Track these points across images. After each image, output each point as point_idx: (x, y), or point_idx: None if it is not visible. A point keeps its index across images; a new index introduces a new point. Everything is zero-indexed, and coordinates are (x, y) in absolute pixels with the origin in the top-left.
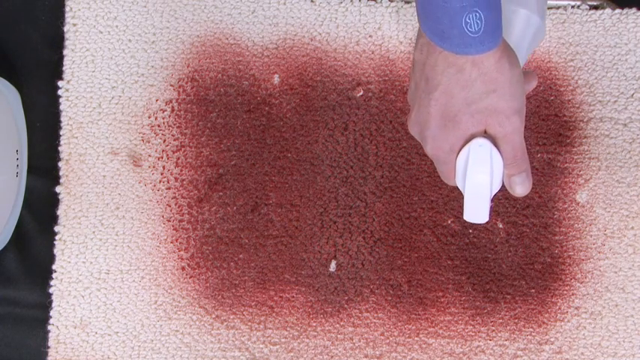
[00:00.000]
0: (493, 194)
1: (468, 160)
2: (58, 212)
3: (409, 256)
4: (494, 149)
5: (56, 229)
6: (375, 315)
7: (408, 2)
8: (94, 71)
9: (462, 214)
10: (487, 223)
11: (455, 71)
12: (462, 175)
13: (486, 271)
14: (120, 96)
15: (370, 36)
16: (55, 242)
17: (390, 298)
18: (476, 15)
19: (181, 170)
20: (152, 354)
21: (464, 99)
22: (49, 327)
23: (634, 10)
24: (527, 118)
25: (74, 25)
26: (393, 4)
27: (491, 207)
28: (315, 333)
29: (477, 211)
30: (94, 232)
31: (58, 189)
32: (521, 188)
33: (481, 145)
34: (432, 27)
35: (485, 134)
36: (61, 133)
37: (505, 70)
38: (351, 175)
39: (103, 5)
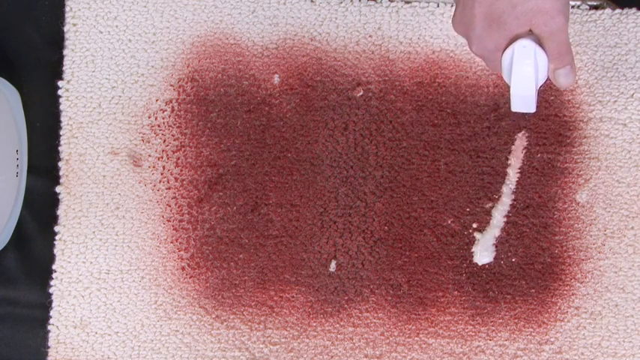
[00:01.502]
0: (539, 86)
1: (513, 57)
2: (58, 212)
3: (409, 256)
4: (539, 48)
5: (56, 229)
6: (375, 315)
7: (408, 2)
8: (94, 71)
9: (462, 213)
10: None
11: None
12: (508, 71)
13: (486, 271)
14: (120, 96)
15: (370, 36)
16: (55, 242)
17: (390, 298)
18: None
19: (181, 170)
20: (152, 354)
21: (508, 0)
22: (49, 327)
23: (634, 10)
24: (528, 118)
25: (74, 25)
26: (393, 4)
27: (537, 99)
28: (315, 333)
29: (524, 101)
30: (94, 232)
31: (58, 189)
32: (565, 80)
33: (525, 46)
34: None
35: (530, 33)
36: (61, 133)
37: None
38: (351, 175)
39: (103, 5)
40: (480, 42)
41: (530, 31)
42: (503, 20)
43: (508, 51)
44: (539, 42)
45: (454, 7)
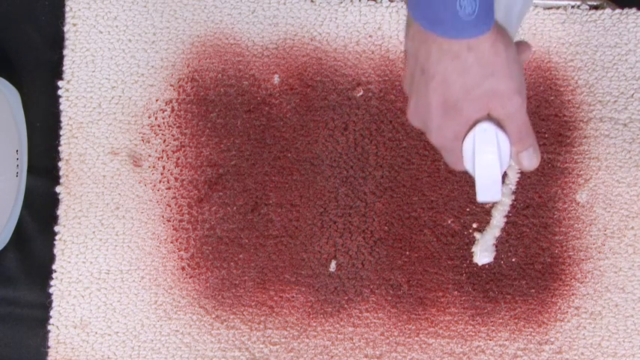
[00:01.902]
0: (502, 172)
1: (474, 145)
2: (58, 212)
3: (409, 256)
4: (499, 130)
5: (56, 229)
6: (375, 315)
7: None
8: (94, 71)
9: (462, 213)
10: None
11: (450, 58)
12: (471, 159)
13: (486, 271)
14: (120, 96)
15: (370, 36)
16: (55, 242)
17: (390, 298)
18: None
19: (181, 170)
20: (152, 354)
21: (462, 86)
22: (49, 327)
23: (634, 10)
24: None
25: (74, 25)
26: (393, 4)
27: (501, 185)
28: (315, 333)
29: (489, 191)
30: (94, 232)
31: (58, 189)
32: (528, 162)
33: (485, 129)
34: (424, 13)
35: (489, 117)
36: (61, 133)
37: (501, 52)
38: (351, 175)
39: (103, 5)
40: (439, 132)
41: (489, 114)
42: (460, 106)
43: (468, 139)
44: (499, 125)
45: (409, 100)
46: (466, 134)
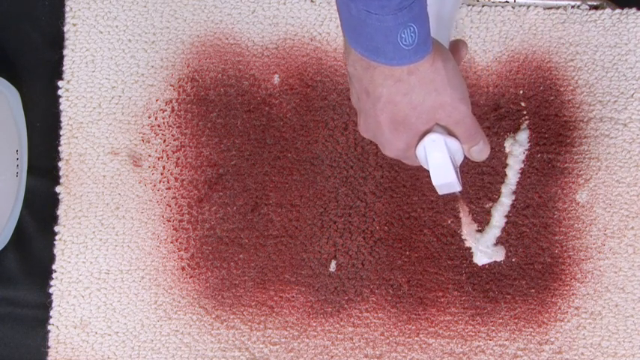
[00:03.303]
0: (458, 165)
1: (425, 152)
2: (58, 212)
3: (409, 256)
4: (447, 137)
5: (56, 229)
6: (375, 315)
7: None
8: (94, 71)
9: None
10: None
11: (393, 82)
12: (425, 162)
13: (486, 271)
14: (120, 96)
15: None
16: (55, 242)
17: (390, 298)
18: (410, 29)
19: (181, 170)
20: (152, 354)
21: (408, 104)
22: (49, 327)
23: (634, 10)
24: (528, 117)
25: (74, 25)
26: None
27: (459, 175)
28: (315, 333)
29: (447, 186)
30: (94, 232)
31: (58, 189)
32: (479, 155)
33: (434, 140)
34: (364, 44)
35: (437, 125)
36: (61, 133)
37: (440, 70)
38: (351, 175)
39: (103, 5)
40: (391, 145)
41: (437, 124)
42: (408, 122)
43: (420, 147)
44: (448, 130)
45: (358, 116)
46: (417, 144)
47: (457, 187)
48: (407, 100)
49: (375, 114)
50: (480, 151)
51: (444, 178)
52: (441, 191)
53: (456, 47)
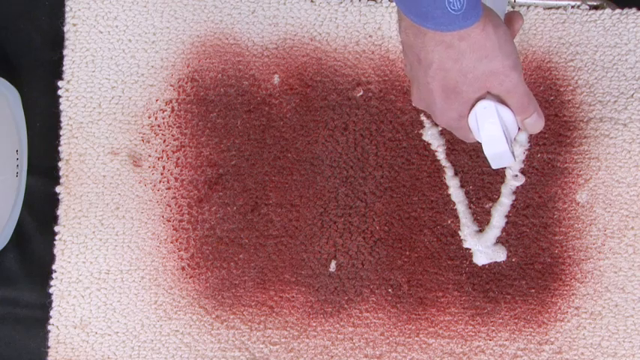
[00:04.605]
0: (512, 137)
1: (477, 121)
2: (58, 212)
3: (409, 256)
4: (499, 105)
5: (56, 229)
6: (375, 315)
7: None
8: (94, 71)
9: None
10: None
11: (444, 48)
12: (477, 133)
13: (486, 271)
14: (120, 96)
15: (370, 36)
16: (55, 242)
17: (390, 298)
18: None
19: (181, 170)
20: (152, 354)
21: (459, 70)
22: (49, 327)
23: (634, 10)
24: None
25: (74, 25)
26: (392, 4)
27: (513, 150)
28: (315, 333)
29: (500, 157)
30: (94, 232)
31: (58, 189)
32: (533, 127)
33: (485, 107)
34: (413, 9)
35: (489, 94)
36: (61, 133)
37: (491, 35)
38: (351, 175)
39: (103, 5)
40: (443, 114)
41: (489, 92)
42: (459, 89)
43: (472, 115)
44: (501, 100)
45: (411, 86)
46: (469, 112)
47: (511, 159)
48: (458, 66)
49: (427, 81)
50: (535, 123)
51: (496, 148)
52: (494, 164)
53: (511, 19)
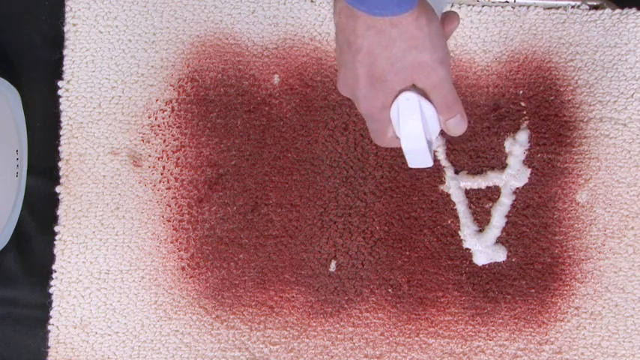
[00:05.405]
0: (433, 139)
1: (398, 113)
2: (58, 212)
3: (409, 256)
4: (423, 99)
5: (56, 229)
6: (375, 315)
7: None
8: (94, 71)
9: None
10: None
11: (375, 33)
12: (397, 126)
13: (486, 271)
14: (120, 96)
15: None
16: (55, 242)
17: (390, 298)
18: None
19: (181, 170)
20: (152, 354)
21: (387, 58)
22: (49, 327)
23: (634, 10)
24: (528, 117)
25: (74, 25)
26: None
27: (432, 150)
28: (315, 333)
29: (418, 157)
30: (94, 232)
31: (58, 189)
32: (455, 129)
33: (408, 98)
34: None
35: (415, 87)
36: (61, 133)
37: (423, 27)
38: (351, 175)
39: (103, 5)
40: (366, 101)
41: (415, 86)
42: (385, 78)
43: (394, 107)
44: (425, 95)
45: (338, 71)
46: (392, 104)
47: (428, 161)
48: (386, 54)
49: (354, 66)
50: (457, 125)
51: (415, 144)
52: (410, 162)
53: (448, 18)
